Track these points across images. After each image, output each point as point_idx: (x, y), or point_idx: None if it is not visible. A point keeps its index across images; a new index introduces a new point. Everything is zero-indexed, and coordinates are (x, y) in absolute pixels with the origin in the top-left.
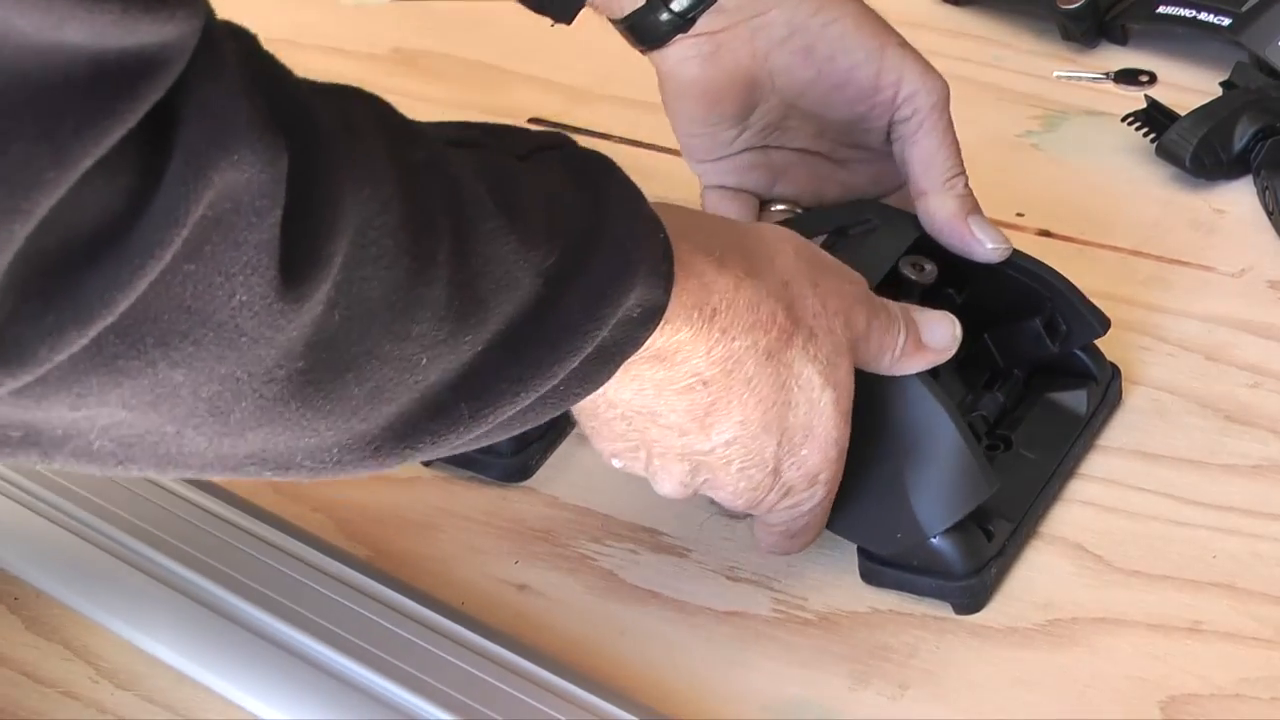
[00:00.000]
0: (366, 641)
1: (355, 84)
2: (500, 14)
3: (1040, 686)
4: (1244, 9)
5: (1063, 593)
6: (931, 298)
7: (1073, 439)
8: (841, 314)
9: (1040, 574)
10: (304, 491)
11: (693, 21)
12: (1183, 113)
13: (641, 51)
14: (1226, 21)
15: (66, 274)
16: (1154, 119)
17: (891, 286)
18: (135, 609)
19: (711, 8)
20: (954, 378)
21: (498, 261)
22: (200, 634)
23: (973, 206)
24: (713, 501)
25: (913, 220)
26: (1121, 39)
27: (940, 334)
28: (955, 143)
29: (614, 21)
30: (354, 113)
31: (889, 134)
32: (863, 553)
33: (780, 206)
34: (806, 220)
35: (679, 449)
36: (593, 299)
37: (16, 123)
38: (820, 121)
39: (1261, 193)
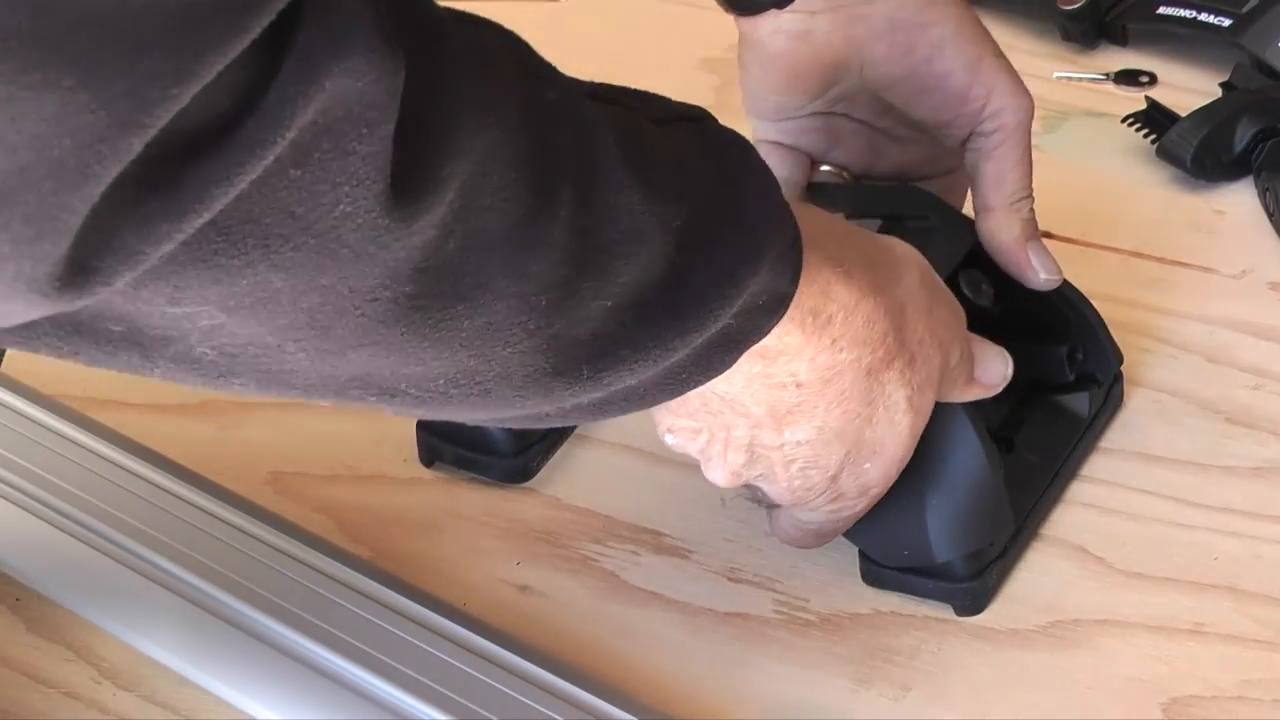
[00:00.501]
0: (367, 644)
1: None
2: (500, 14)
3: (1042, 688)
4: (1244, 10)
5: (1064, 595)
6: (977, 316)
7: (1074, 441)
8: (943, 346)
9: (1042, 576)
10: (305, 492)
11: (790, 0)
12: (1183, 114)
13: (732, 14)
14: (1227, 23)
15: (169, 170)
16: (1154, 120)
17: None
18: (136, 613)
19: None
20: None
21: (623, 212)
22: (201, 638)
23: (1034, 232)
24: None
25: (969, 226)
26: (1122, 40)
27: (994, 372)
28: (1029, 164)
29: None
30: (489, 41)
31: (966, 142)
32: (864, 554)
33: (828, 168)
34: (860, 196)
35: (747, 440)
36: (722, 274)
37: (149, 36)
38: (898, 112)
39: (1262, 194)
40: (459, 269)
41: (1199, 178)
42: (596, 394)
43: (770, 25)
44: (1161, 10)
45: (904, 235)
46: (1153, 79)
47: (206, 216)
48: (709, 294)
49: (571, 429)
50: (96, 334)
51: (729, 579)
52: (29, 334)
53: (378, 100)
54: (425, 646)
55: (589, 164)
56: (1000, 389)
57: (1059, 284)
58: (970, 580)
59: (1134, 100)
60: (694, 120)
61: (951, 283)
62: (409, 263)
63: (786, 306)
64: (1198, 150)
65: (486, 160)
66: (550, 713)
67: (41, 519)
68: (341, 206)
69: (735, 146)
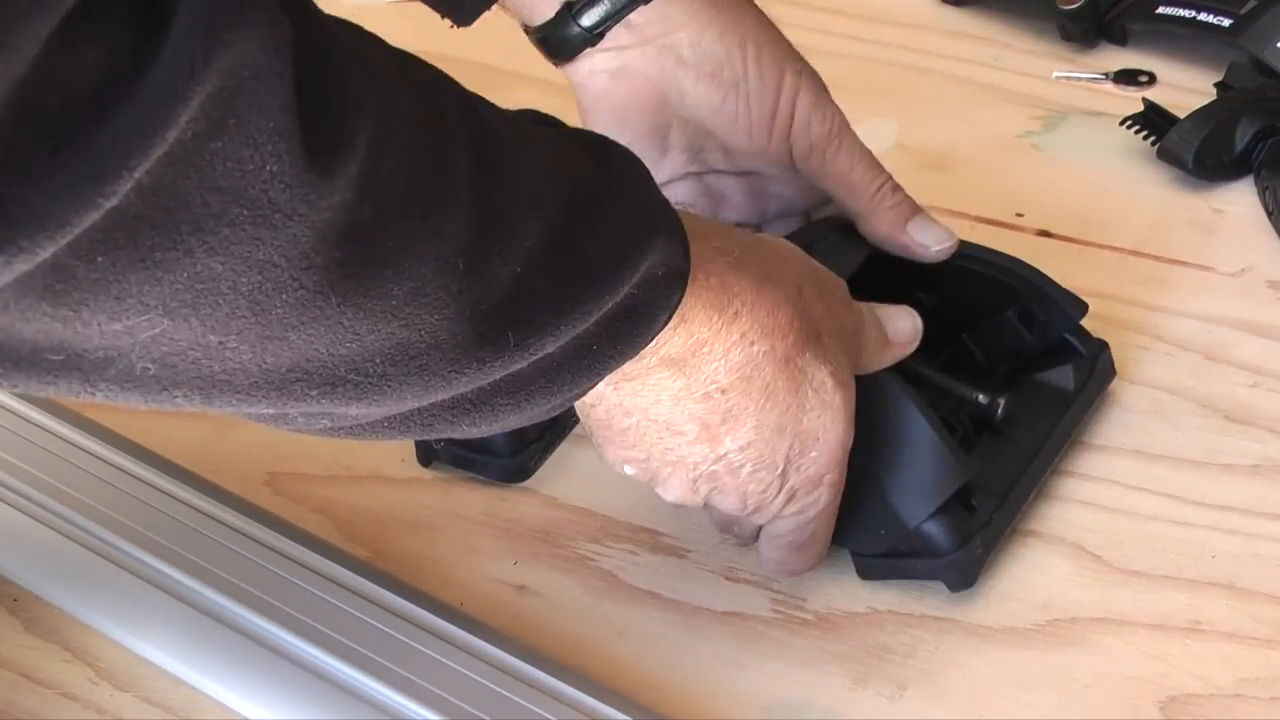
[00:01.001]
0: (364, 645)
1: None
2: (500, 14)
3: (1039, 686)
4: (1244, 10)
5: (1062, 593)
6: (930, 314)
7: (1061, 413)
8: (841, 319)
9: (1039, 574)
10: (303, 492)
11: (601, 36)
12: (1182, 113)
13: (554, 64)
14: (1226, 23)
15: (72, 131)
16: (1152, 121)
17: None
18: (133, 614)
19: (621, 23)
20: (941, 383)
21: (518, 178)
22: (198, 639)
23: (906, 212)
24: (718, 520)
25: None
26: (1121, 39)
27: (902, 326)
28: (866, 157)
29: (527, 31)
30: (354, 27)
31: (797, 162)
32: (852, 550)
33: None
34: None
35: (690, 458)
36: (618, 242)
37: None
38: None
39: (1261, 193)
40: (380, 231)
41: (1200, 178)
42: (520, 364)
43: (588, 68)
44: (1161, 10)
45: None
46: (1152, 79)
47: (129, 179)
48: (608, 260)
49: (570, 427)
50: (37, 365)
51: (726, 578)
52: None
53: (279, 51)
54: (422, 647)
55: (478, 132)
56: (914, 342)
57: (953, 246)
58: (956, 552)
59: (1133, 100)
60: (551, 125)
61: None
62: (334, 226)
63: (685, 281)
64: (1199, 150)
65: (385, 121)
66: (547, 713)
67: (38, 520)
68: (268, 167)
69: (601, 140)
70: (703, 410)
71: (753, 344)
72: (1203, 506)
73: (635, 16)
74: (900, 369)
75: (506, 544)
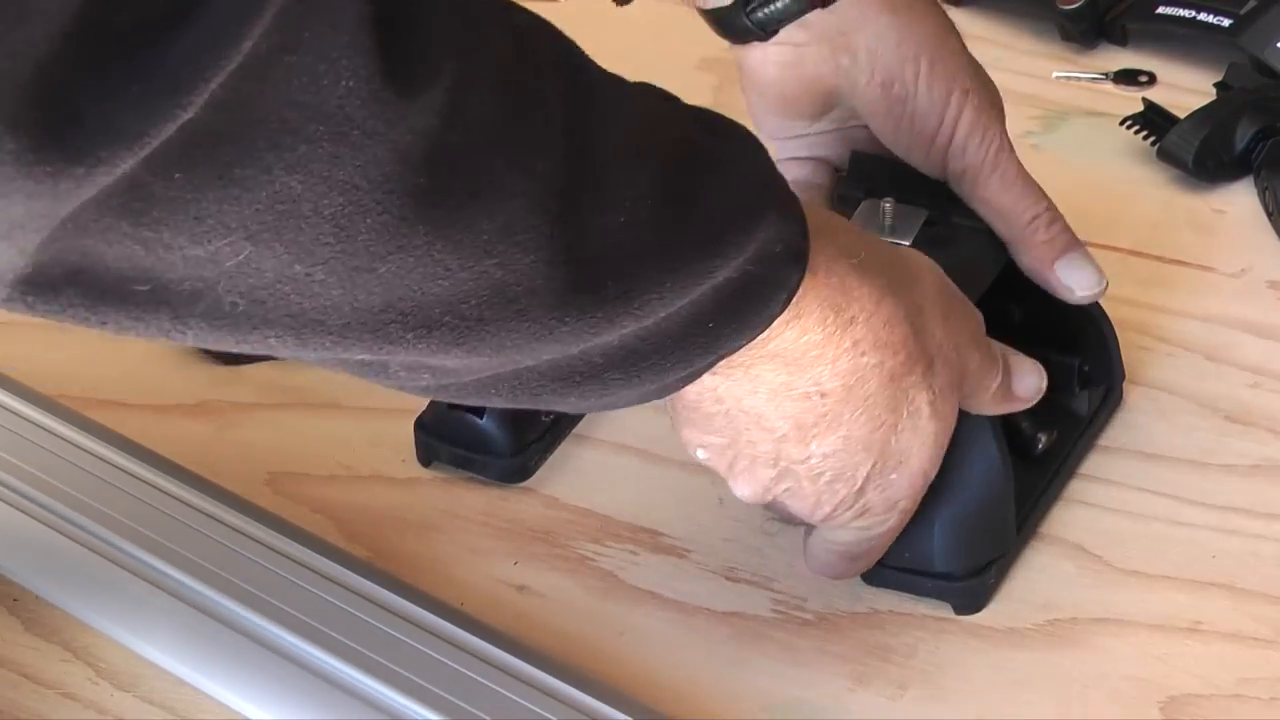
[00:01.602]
0: (364, 645)
1: None
2: None
3: (1040, 687)
4: (1244, 10)
5: (1062, 593)
6: (990, 313)
7: (1073, 440)
8: (961, 352)
9: (1040, 574)
10: (303, 492)
11: (773, 33)
12: (1182, 113)
13: (724, 39)
14: (1226, 23)
15: (147, 44)
16: (1151, 122)
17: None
18: (133, 614)
19: (796, 21)
20: None
21: (620, 127)
22: (198, 639)
23: (1060, 248)
24: (769, 506)
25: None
26: (1121, 39)
27: (1029, 386)
28: (1022, 182)
29: (701, 10)
30: None
31: (951, 179)
32: None
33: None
34: (908, 178)
35: (773, 455)
36: (729, 205)
37: None
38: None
39: (1262, 193)
40: (467, 161)
41: (1200, 178)
42: (629, 324)
43: (759, 56)
44: (1161, 10)
45: (950, 232)
46: (1152, 79)
47: (204, 91)
48: (719, 222)
49: (570, 427)
50: (123, 298)
51: (727, 578)
52: (55, 301)
53: None
54: (422, 647)
55: (577, 79)
56: (1034, 402)
57: (1101, 292)
58: (969, 579)
59: (1133, 100)
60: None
61: (991, 293)
62: (418, 149)
63: (804, 264)
64: (1199, 151)
65: (475, 53)
66: (547, 713)
67: (39, 520)
68: (344, 82)
69: (715, 115)
70: (798, 410)
71: (864, 354)
72: (1203, 506)
73: (812, 15)
74: None
75: (506, 544)
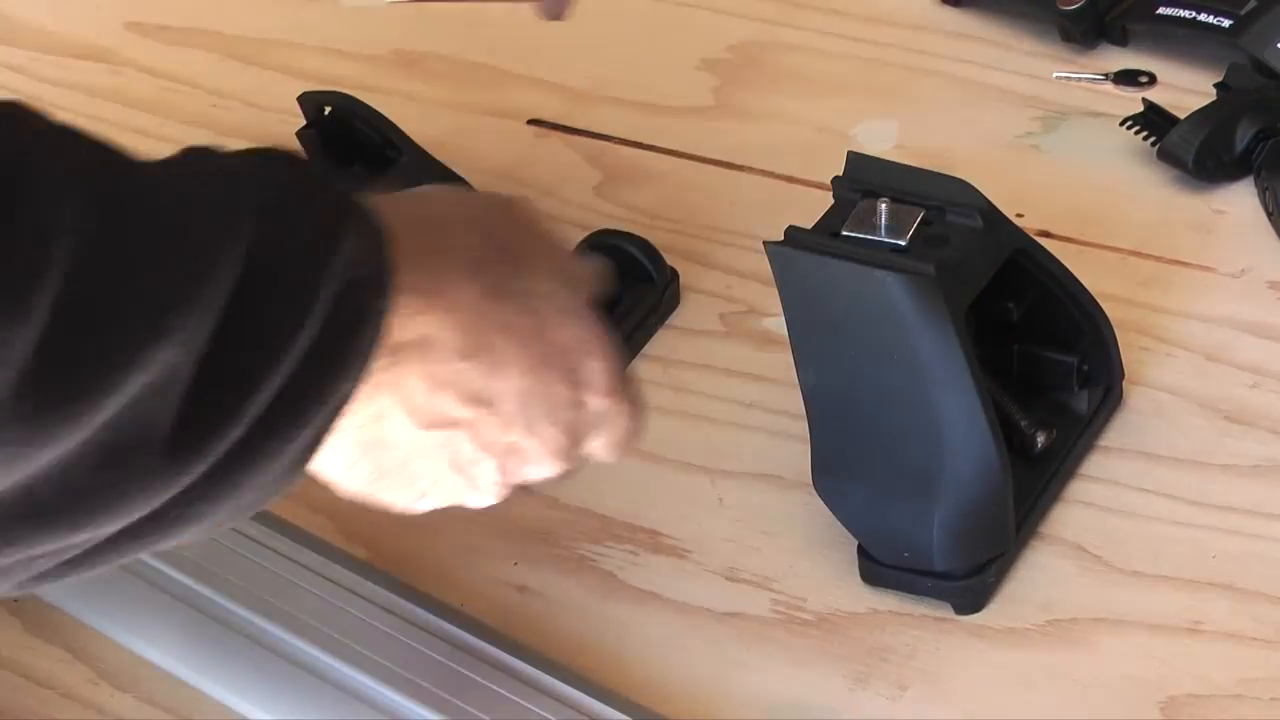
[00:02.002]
0: (364, 646)
1: (355, 85)
2: (500, 15)
3: (1040, 687)
4: (1244, 11)
5: (1062, 593)
6: (988, 311)
7: (1073, 439)
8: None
9: (1040, 574)
10: (303, 492)
11: None
12: (1182, 114)
13: None
14: (1226, 23)
15: None
16: (1151, 122)
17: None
18: (133, 615)
19: None
20: (1001, 406)
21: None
22: (198, 640)
23: None
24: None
25: (1012, 231)
26: (1121, 40)
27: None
28: None
29: None
30: None
31: None
32: (863, 552)
33: None
34: (903, 176)
35: (482, 444)
36: (305, 246)
37: None
38: None
39: (1262, 193)
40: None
41: (1200, 178)
42: (235, 429)
43: None
44: (1161, 11)
45: (946, 231)
46: (1152, 79)
47: None
48: (299, 266)
49: None
50: None
51: (726, 579)
52: None
53: None
54: (423, 648)
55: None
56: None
57: None
58: (969, 578)
59: (1133, 100)
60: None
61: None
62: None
63: (390, 278)
64: (1199, 151)
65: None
66: (547, 713)
67: None
68: None
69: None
70: (460, 387)
71: (461, 297)
72: (1203, 507)
73: None
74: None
75: (507, 545)
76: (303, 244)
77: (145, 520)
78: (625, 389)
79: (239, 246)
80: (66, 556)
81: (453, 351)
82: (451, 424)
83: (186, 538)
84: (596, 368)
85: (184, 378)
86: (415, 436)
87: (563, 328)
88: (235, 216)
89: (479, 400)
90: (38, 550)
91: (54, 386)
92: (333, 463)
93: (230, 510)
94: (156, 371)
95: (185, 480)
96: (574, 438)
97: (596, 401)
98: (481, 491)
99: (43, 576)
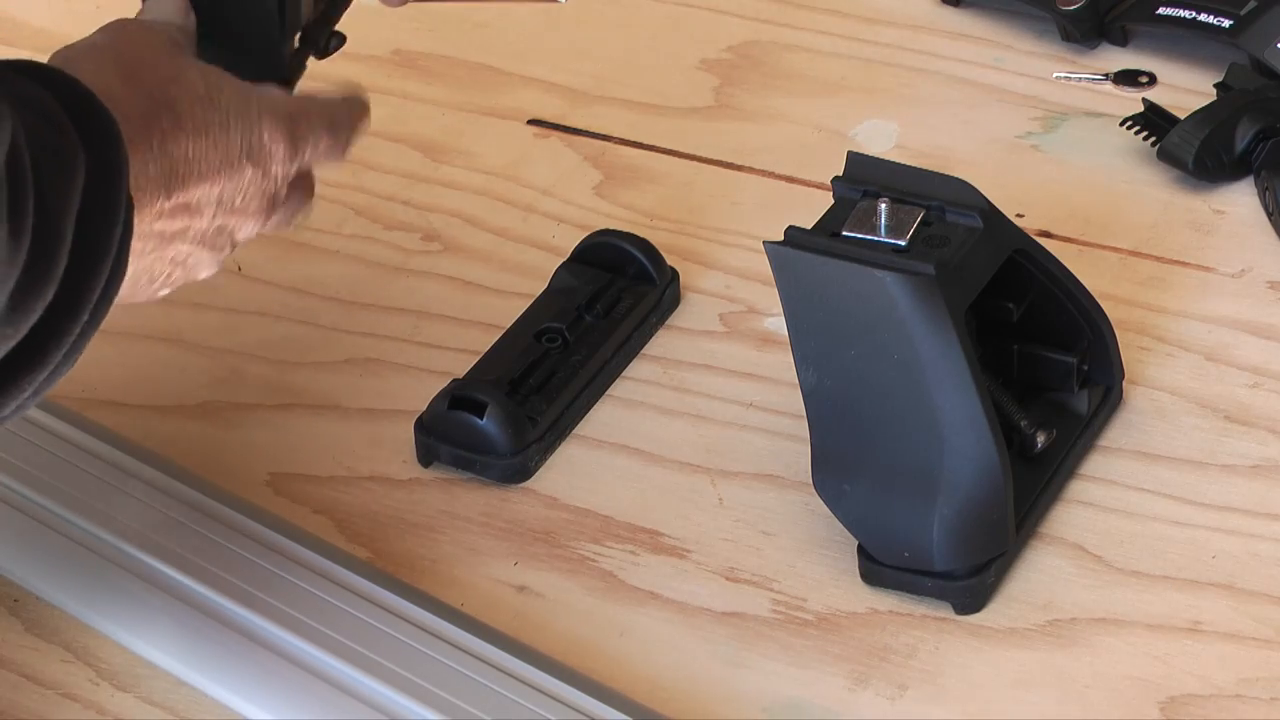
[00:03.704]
0: (364, 645)
1: (355, 84)
2: (500, 15)
3: (1040, 687)
4: (1244, 11)
5: (1062, 593)
6: (988, 311)
7: (1073, 439)
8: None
9: (1040, 574)
10: (304, 493)
11: None
12: (1183, 114)
13: None
14: (1226, 23)
15: None
16: (1151, 122)
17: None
18: (134, 615)
19: None
20: (1001, 405)
21: None
22: (198, 640)
23: None
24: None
25: (1011, 231)
26: (1121, 40)
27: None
28: None
29: None
30: None
31: None
32: (863, 553)
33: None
34: (903, 175)
35: (198, 232)
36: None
37: None
38: None
39: (1261, 193)
40: None
41: (1200, 179)
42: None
43: None
44: (1161, 11)
45: (946, 231)
46: (1152, 79)
47: None
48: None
49: (569, 427)
50: None
51: (727, 578)
52: None
53: None
54: (422, 647)
55: None
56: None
57: None
58: (969, 578)
59: (1133, 100)
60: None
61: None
62: None
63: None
64: (1199, 151)
65: None
66: (547, 713)
67: (40, 521)
68: None
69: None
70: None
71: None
72: (1203, 507)
73: None
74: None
75: (506, 544)
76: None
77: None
78: (299, 149)
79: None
80: None
81: (156, 196)
82: (168, 237)
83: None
84: (272, 145)
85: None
86: (140, 256)
87: (230, 128)
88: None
89: (185, 212)
90: None
91: None
92: None
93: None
94: None
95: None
96: (270, 200)
97: (281, 168)
98: (201, 266)
99: None
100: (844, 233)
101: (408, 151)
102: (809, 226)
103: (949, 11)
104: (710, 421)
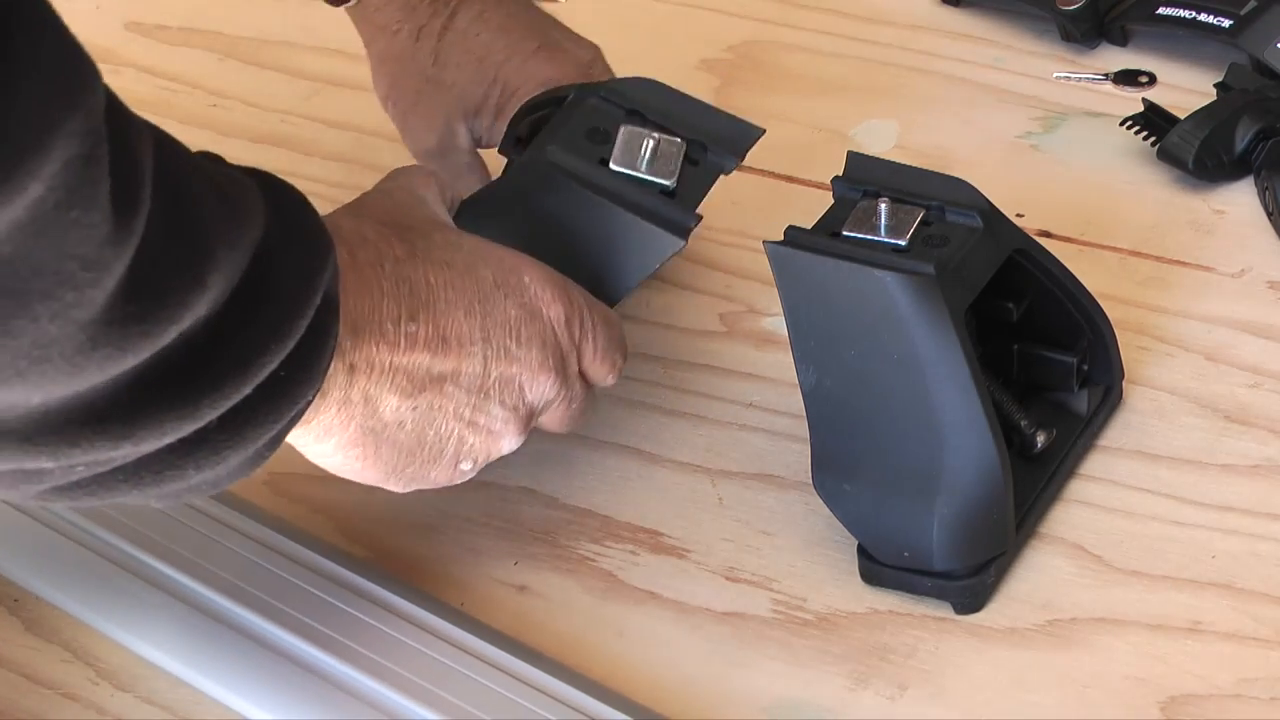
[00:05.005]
0: (364, 645)
1: (355, 85)
2: None
3: (1040, 687)
4: (1244, 11)
5: (1062, 593)
6: (987, 310)
7: (1073, 439)
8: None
9: (1040, 574)
10: (304, 492)
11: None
12: (1182, 114)
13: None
14: (1226, 23)
15: None
16: (1151, 122)
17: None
18: (133, 614)
19: None
20: (1001, 405)
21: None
22: (198, 639)
23: None
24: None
25: (1011, 231)
26: (1121, 40)
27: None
28: None
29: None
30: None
31: None
32: (863, 552)
33: None
34: (902, 175)
35: (471, 387)
36: (301, 259)
37: None
38: None
39: (1261, 193)
40: (155, 288)
41: (1200, 178)
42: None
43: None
44: (1161, 11)
45: (946, 231)
46: (1152, 79)
47: None
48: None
49: None
50: None
51: (726, 578)
52: None
53: (99, 128)
54: (422, 647)
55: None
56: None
57: None
58: (969, 578)
59: (1133, 100)
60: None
61: (989, 292)
62: (129, 282)
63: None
64: (1199, 151)
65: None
66: (547, 713)
67: (39, 520)
68: (102, 229)
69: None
70: (420, 340)
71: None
72: (1203, 507)
73: None
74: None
75: (507, 544)
76: (299, 257)
77: (160, 454)
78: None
79: (254, 233)
80: (98, 471)
81: (398, 320)
82: (436, 380)
83: (165, 495)
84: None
85: (200, 338)
86: (409, 405)
87: (477, 267)
88: (250, 207)
89: (445, 347)
90: (79, 459)
91: (145, 296)
92: (360, 460)
93: (209, 478)
94: (190, 320)
95: (202, 420)
96: (554, 358)
97: (556, 315)
98: (499, 432)
99: (68, 490)
100: (844, 233)
101: (408, 151)
102: (809, 226)
103: (949, 11)
104: (710, 421)
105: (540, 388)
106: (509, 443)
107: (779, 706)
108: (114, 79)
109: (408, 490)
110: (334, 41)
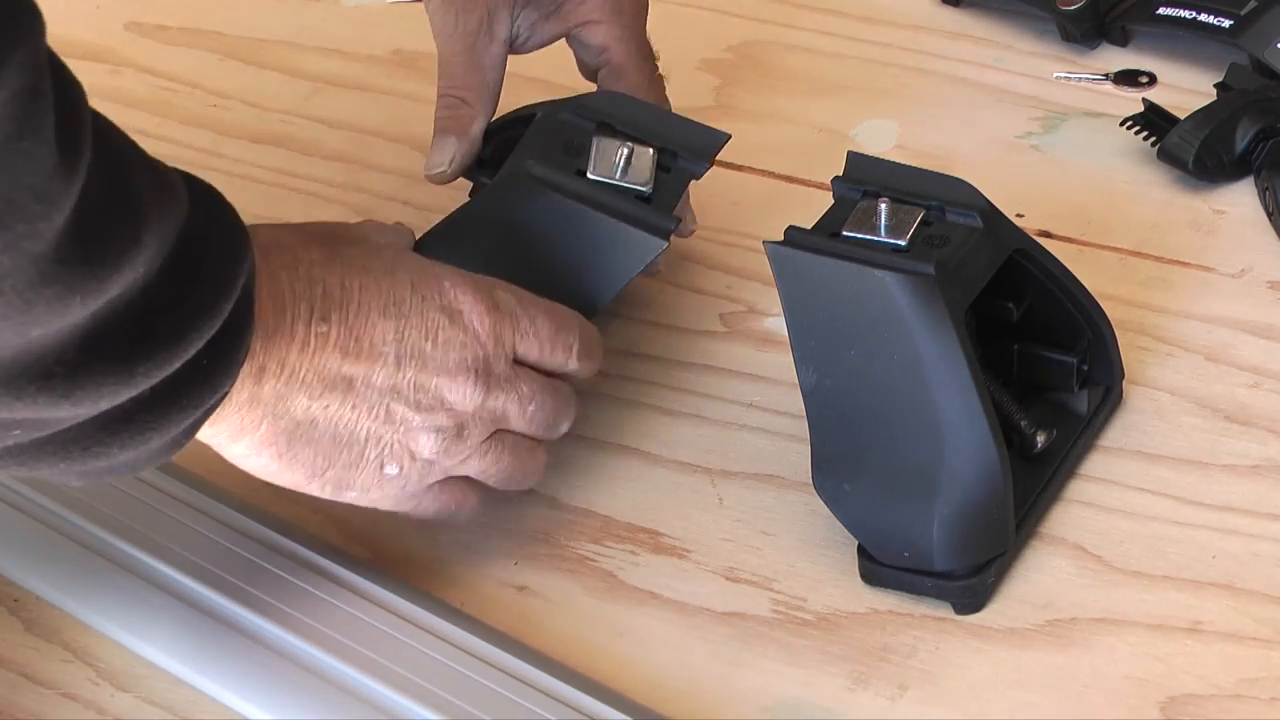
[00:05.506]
0: (364, 645)
1: (355, 85)
2: None
3: (1040, 687)
4: (1244, 11)
5: (1062, 593)
6: (987, 310)
7: (1073, 439)
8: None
9: (1040, 574)
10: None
11: None
12: (1183, 114)
13: None
14: (1227, 23)
15: None
16: (1152, 122)
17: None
18: (133, 614)
19: None
20: (1001, 405)
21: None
22: (198, 640)
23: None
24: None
25: (1011, 231)
26: (1121, 40)
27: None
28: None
29: None
30: None
31: None
32: (863, 552)
33: None
34: (902, 175)
35: (383, 388)
36: (223, 249)
37: None
38: None
39: (1262, 193)
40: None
41: (1200, 179)
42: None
43: None
44: (1161, 11)
45: (946, 230)
46: (1152, 79)
47: None
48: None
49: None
50: None
51: (726, 578)
52: None
53: (44, 65)
54: (422, 647)
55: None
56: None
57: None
58: (969, 578)
59: (1133, 100)
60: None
61: (989, 292)
62: (78, 221)
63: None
64: (1199, 151)
65: (107, 147)
66: (547, 713)
67: (39, 520)
68: (50, 160)
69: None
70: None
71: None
72: (1203, 507)
73: None
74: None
75: (506, 544)
76: (221, 244)
77: (91, 427)
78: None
79: (181, 214)
80: (34, 436)
81: (309, 321)
82: (346, 380)
83: (87, 472)
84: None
85: (138, 302)
86: (320, 404)
87: (397, 271)
88: (176, 190)
89: (357, 348)
90: (21, 414)
91: (90, 239)
92: (276, 460)
93: (129, 459)
94: (131, 275)
95: (136, 388)
96: (474, 360)
97: (481, 324)
98: (416, 431)
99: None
100: (844, 233)
101: (408, 151)
102: (809, 226)
103: (949, 11)
104: (710, 421)
105: (459, 390)
106: (428, 446)
107: (779, 706)
108: (114, 79)
109: (338, 498)
110: (334, 41)
